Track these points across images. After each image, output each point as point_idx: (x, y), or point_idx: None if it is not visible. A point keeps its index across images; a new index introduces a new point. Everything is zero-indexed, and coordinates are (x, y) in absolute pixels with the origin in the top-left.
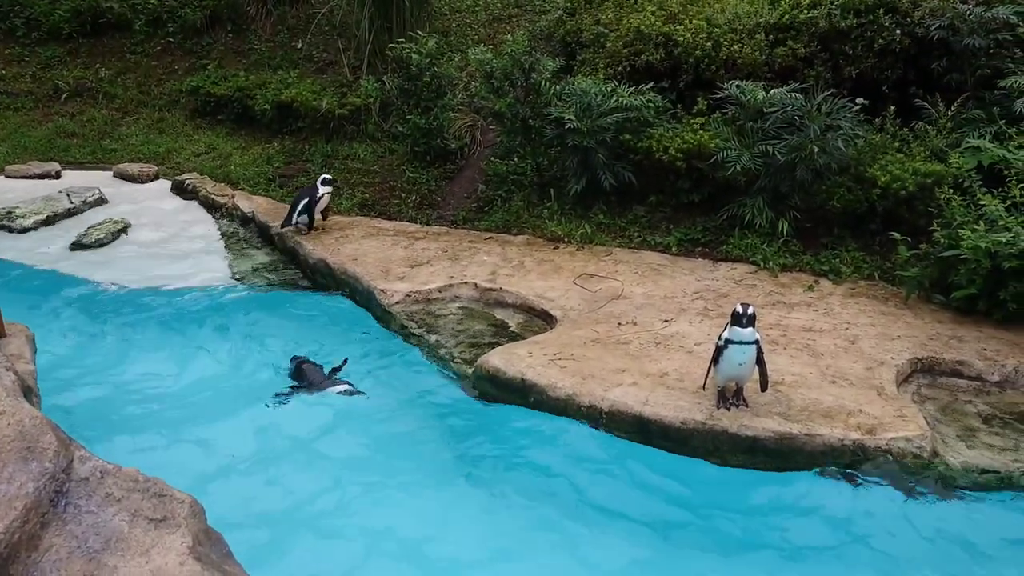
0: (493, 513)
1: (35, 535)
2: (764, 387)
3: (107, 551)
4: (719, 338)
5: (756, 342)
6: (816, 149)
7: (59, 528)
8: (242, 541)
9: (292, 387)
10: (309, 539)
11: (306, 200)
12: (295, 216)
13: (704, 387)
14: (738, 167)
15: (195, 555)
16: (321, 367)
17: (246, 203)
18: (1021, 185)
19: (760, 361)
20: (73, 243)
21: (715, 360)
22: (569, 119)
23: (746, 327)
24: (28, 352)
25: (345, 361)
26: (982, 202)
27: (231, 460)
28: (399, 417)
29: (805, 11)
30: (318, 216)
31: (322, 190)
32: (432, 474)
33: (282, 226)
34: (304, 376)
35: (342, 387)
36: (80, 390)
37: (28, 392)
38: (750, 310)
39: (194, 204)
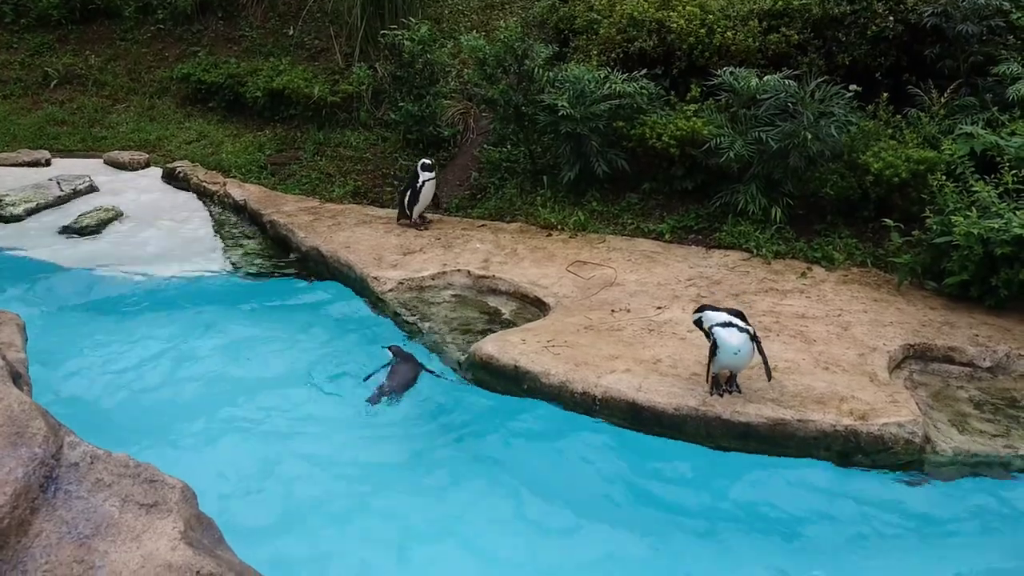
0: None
1: (25, 521)
2: (769, 376)
3: (97, 536)
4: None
5: (745, 330)
6: (809, 136)
7: (49, 514)
8: (232, 526)
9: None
10: (296, 518)
11: (409, 193)
12: (412, 214)
13: (708, 382)
14: (731, 154)
15: (187, 540)
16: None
17: (238, 191)
18: (1013, 172)
19: (759, 350)
20: (63, 231)
21: (712, 353)
22: (562, 106)
23: (699, 313)
24: (19, 340)
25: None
26: (975, 189)
27: (221, 447)
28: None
29: None
30: (424, 207)
31: (423, 176)
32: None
33: (398, 219)
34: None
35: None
36: (71, 377)
37: (18, 380)
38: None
39: (185, 192)
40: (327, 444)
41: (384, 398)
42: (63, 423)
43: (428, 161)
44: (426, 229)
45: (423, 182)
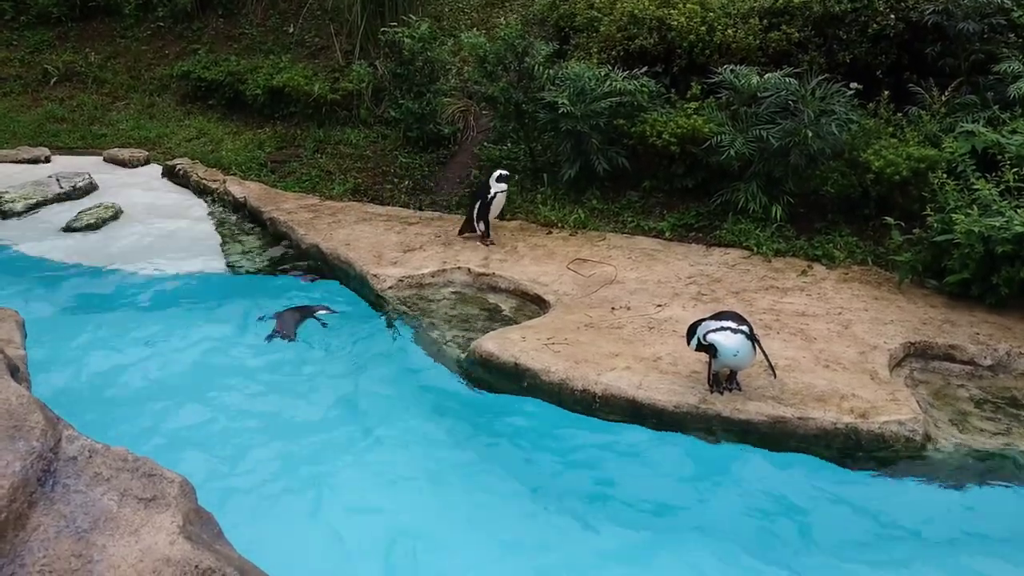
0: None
1: (22, 514)
2: (774, 373)
3: (96, 530)
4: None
5: (739, 331)
6: (810, 134)
7: (47, 507)
8: (232, 517)
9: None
10: (299, 515)
11: (479, 204)
12: (478, 225)
13: (708, 380)
14: (732, 152)
15: (185, 534)
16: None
17: (238, 188)
18: (1015, 170)
19: (760, 349)
20: (63, 228)
21: (712, 357)
22: (563, 104)
23: (692, 336)
24: (18, 337)
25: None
26: (976, 187)
27: (220, 439)
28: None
29: None
30: (494, 219)
31: (495, 188)
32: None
33: (460, 232)
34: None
35: (321, 311)
36: (70, 374)
37: (17, 374)
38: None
39: (185, 189)
40: (322, 435)
41: (277, 337)
42: (62, 418)
43: (506, 173)
44: (492, 243)
45: (495, 193)
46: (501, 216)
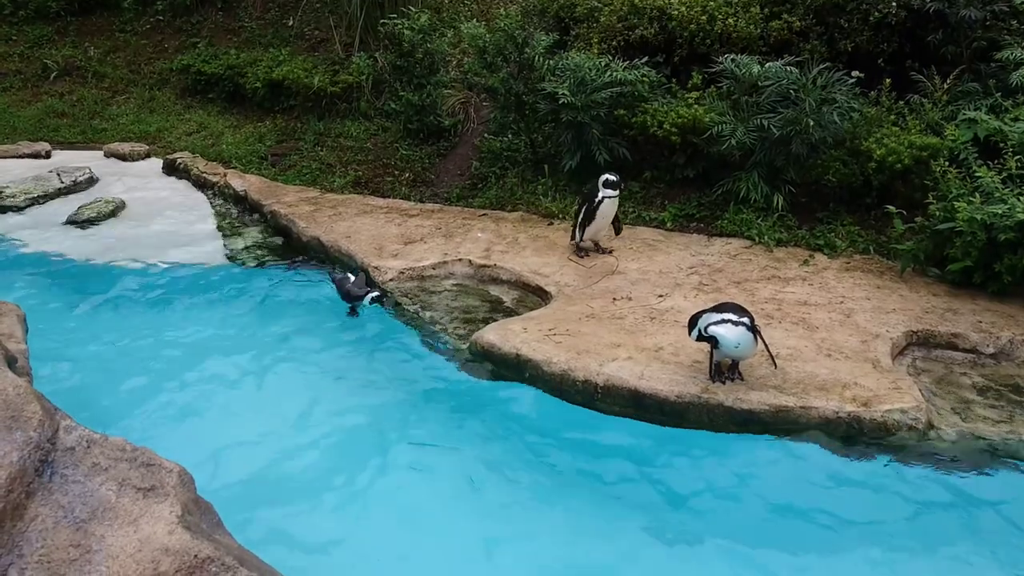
0: None
1: (20, 505)
2: (775, 364)
3: (94, 520)
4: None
5: (740, 323)
6: (812, 123)
7: (45, 498)
8: (235, 514)
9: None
10: (297, 509)
11: (584, 209)
12: (577, 232)
13: (710, 369)
14: (733, 142)
15: (184, 524)
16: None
17: (238, 182)
18: (1017, 157)
19: (761, 340)
20: (65, 222)
21: (714, 348)
22: (563, 94)
23: (694, 328)
24: (19, 332)
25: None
26: (978, 175)
27: (221, 434)
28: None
29: None
30: (605, 230)
31: (602, 193)
32: None
33: (572, 240)
34: (346, 288)
35: (374, 294)
36: (72, 367)
37: (15, 365)
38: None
39: (186, 183)
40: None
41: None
42: (60, 408)
43: (613, 177)
44: (601, 253)
45: (601, 199)
46: (616, 226)
